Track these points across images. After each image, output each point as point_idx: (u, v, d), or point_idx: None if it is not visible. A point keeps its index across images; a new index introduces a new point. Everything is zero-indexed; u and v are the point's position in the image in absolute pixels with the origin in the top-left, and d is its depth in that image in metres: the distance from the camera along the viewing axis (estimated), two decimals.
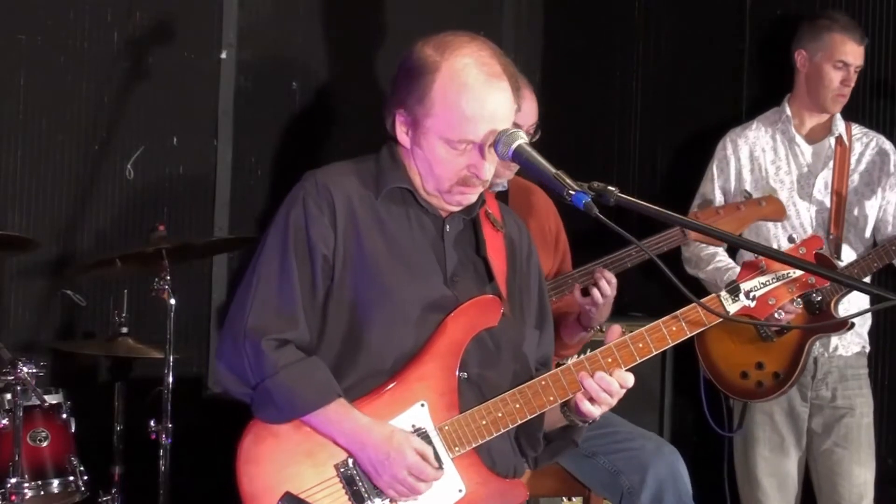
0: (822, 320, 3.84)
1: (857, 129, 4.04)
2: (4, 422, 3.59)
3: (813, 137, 4.04)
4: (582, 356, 2.60)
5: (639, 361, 2.60)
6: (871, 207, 3.97)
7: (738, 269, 3.91)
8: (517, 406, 2.59)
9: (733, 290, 2.66)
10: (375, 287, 2.59)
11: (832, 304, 3.84)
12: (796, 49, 4.01)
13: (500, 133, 2.57)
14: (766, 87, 4.12)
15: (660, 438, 3.46)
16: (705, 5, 4.79)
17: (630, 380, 2.58)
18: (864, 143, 4.01)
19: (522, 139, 2.71)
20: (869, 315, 4.00)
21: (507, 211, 2.90)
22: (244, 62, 4.53)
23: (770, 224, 3.94)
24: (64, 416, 3.75)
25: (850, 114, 4.08)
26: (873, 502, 3.99)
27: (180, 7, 4.43)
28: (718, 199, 4.02)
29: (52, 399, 3.72)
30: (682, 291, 2.53)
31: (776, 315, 2.70)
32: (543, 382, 2.59)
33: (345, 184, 2.65)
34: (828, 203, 3.96)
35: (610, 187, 2.48)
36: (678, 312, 2.63)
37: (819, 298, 3.81)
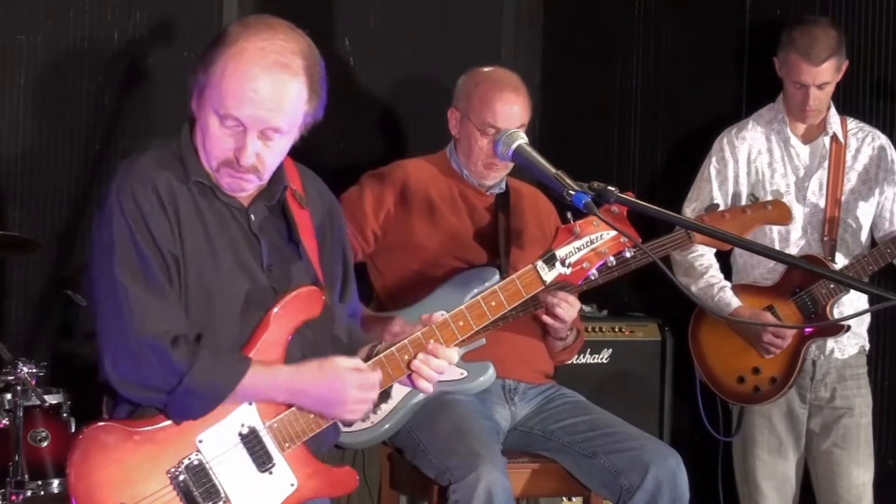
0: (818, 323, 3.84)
1: (852, 123, 4.01)
2: (4, 422, 3.59)
3: (808, 137, 4.01)
4: (405, 340, 2.60)
5: (461, 339, 2.64)
6: (869, 206, 3.95)
7: (728, 287, 3.94)
8: None
9: (549, 259, 2.66)
10: (198, 284, 2.56)
11: (827, 308, 3.83)
12: (776, 55, 3.99)
13: (500, 133, 2.55)
14: (766, 87, 4.11)
15: (662, 442, 3.46)
16: (705, 5, 4.79)
17: (455, 356, 2.63)
18: (860, 138, 3.98)
19: (522, 139, 2.72)
20: (867, 314, 3.98)
21: (308, 175, 2.83)
22: None
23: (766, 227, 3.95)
24: (64, 416, 3.75)
25: (850, 113, 4.07)
26: (872, 503, 3.98)
27: (180, 7, 4.43)
28: (717, 200, 3.99)
29: (52, 399, 3.72)
30: (684, 292, 2.54)
31: (590, 276, 2.68)
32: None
33: (163, 176, 2.58)
34: (822, 204, 3.94)
35: (610, 187, 2.49)
36: (496, 286, 2.65)
37: (813, 301, 3.83)
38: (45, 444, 3.70)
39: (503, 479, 3.13)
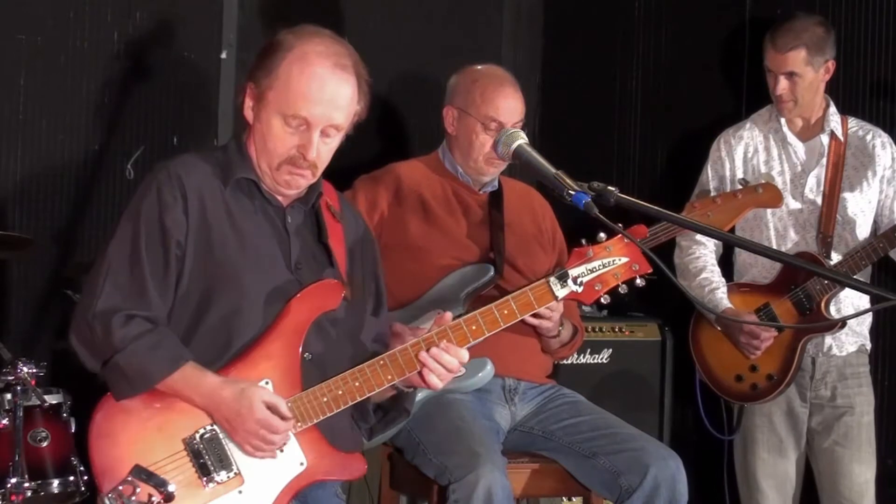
0: (813, 320, 3.83)
1: (853, 122, 4.01)
2: (4, 422, 3.59)
3: (806, 135, 4.01)
4: (419, 338, 2.73)
5: (472, 343, 2.75)
6: (869, 204, 3.95)
7: (722, 288, 3.94)
8: (357, 384, 2.71)
9: (562, 276, 2.78)
10: (223, 275, 2.71)
11: (822, 304, 3.83)
12: None
13: (500, 133, 2.59)
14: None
15: (662, 444, 3.46)
16: (705, 5, 4.79)
17: (465, 356, 2.75)
18: (861, 136, 3.98)
19: (523, 139, 2.73)
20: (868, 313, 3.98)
21: (345, 202, 3.03)
22: (244, 62, 4.54)
23: (764, 224, 3.95)
24: (64, 416, 3.75)
25: (851, 112, 4.07)
26: (874, 502, 3.98)
27: (180, 7, 4.44)
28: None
29: (52, 399, 3.72)
30: (681, 289, 2.55)
31: (601, 300, 2.82)
32: (382, 362, 2.72)
33: (195, 175, 2.75)
34: (819, 201, 3.93)
35: (610, 187, 2.50)
36: (509, 296, 2.77)
37: (808, 297, 3.83)
38: (45, 444, 3.70)
39: (503, 479, 3.13)
